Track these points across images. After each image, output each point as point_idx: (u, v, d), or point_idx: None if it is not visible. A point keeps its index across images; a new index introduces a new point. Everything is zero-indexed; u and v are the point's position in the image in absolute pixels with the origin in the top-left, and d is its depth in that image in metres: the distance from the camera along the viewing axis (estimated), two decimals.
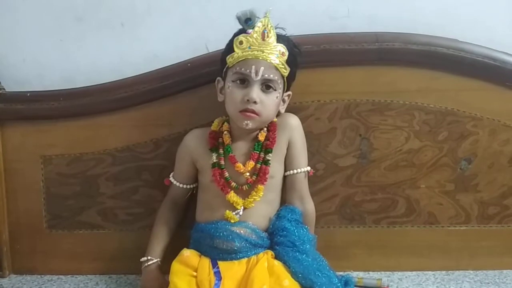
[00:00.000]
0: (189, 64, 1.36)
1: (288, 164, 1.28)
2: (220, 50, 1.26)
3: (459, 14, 1.39)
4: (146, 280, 1.28)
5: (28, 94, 1.39)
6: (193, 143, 1.30)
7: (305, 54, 1.29)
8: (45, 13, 1.43)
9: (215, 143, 1.27)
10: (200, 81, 1.35)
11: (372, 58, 1.34)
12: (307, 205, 1.28)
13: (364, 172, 1.38)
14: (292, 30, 1.26)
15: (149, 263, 1.27)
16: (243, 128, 1.22)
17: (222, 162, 1.25)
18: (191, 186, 1.32)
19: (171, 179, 1.32)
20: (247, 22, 1.20)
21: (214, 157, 1.25)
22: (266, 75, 1.19)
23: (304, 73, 1.30)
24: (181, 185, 1.32)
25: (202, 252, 1.23)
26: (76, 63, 1.43)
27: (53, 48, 1.43)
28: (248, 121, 1.21)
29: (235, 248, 1.20)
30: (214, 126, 1.29)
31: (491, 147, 1.37)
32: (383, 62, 1.34)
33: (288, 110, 1.30)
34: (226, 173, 1.24)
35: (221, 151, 1.26)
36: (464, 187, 1.38)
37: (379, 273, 1.38)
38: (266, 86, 1.20)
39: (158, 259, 1.28)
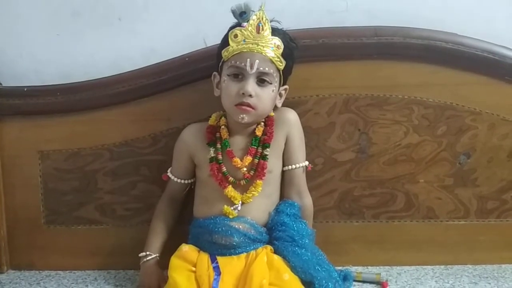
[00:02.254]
0: (187, 59, 1.35)
1: (286, 159, 1.28)
2: (218, 44, 1.25)
3: (458, 8, 1.38)
4: (145, 275, 1.28)
5: (26, 89, 1.39)
6: (191, 138, 1.29)
7: (304, 48, 1.28)
8: (42, 8, 1.43)
9: (212, 138, 1.26)
10: (198, 76, 1.35)
11: (371, 53, 1.33)
12: (305, 199, 1.28)
13: (363, 167, 1.38)
14: (291, 24, 1.25)
15: (147, 258, 1.27)
16: (239, 122, 1.22)
17: (220, 156, 1.25)
18: (189, 181, 1.32)
19: (169, 174, 1.32)
20: (241, 15, 1.20)
21: (211, 152, 1.25)
22: (261, 68, 1.19)
23: (303, 67, 1.29)
24: (179, 180, 1.32)
25: (201, 247, 1.23)
26: (74, 58, 1.43)
27: (50, 43, 1.43)
28: (244, 115, 1.20)
29: (234, 243, 1.20)
30: (212, 120, 1.29)
31: (490, 141, 1.36)
32: (382, 56, 1.34)
33: (286, 104, 1.30)
34: (224, 167, 1.24)
35: (218, 145, 1.25)
36: (463, 182, 1.37)
37: (378, 267, 1.38)
38: (262, 79, 1.20)
39: (157, 254, 1.28)
